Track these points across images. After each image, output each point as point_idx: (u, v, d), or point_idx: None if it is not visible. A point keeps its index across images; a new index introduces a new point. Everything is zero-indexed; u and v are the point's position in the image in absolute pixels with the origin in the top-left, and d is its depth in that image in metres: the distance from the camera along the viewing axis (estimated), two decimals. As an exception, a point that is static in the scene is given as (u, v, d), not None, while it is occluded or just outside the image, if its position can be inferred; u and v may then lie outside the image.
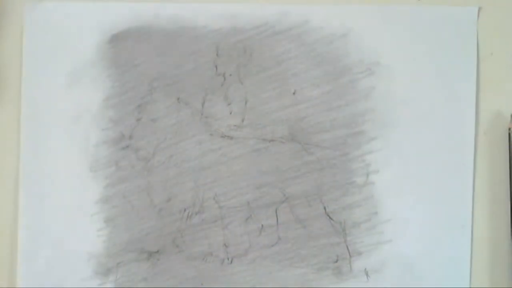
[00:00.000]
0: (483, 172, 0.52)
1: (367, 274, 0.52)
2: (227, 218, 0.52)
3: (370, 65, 0.52)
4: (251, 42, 0.53)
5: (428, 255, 0.52)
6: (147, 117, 0.53)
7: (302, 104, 0.52)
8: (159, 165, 0.53)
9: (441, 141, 0.52)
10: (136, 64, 0.53)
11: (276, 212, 0.52)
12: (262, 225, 0.52)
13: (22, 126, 0.53)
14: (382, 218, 0.52)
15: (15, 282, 0.53)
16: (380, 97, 0.52)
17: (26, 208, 0.53)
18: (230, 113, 0.52)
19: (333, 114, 0.52)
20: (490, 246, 0.52)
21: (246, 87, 0.52)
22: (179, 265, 0.52)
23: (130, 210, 0.53)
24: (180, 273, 0.52)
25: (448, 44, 0.52)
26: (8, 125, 0.53)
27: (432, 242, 0.52)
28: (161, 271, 0.53)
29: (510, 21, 0.53)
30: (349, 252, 0.52)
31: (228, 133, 0.52)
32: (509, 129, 0.51)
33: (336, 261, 0.52)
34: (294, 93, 0.53)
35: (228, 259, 0.52)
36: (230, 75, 0.53)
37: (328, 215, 0.52)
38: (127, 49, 0.53)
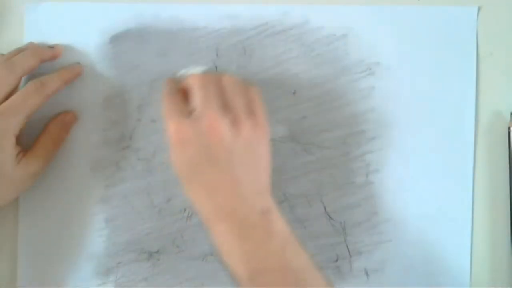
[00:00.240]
0: (483, 171, 0.52)
1: (367, 274, 0.52)
2: (227, 218, 0.52)
3: (370, 65, 0.53)
4: (251, 43, 0.53)
5: (428, 255, 0.52)
6: (147, 118, 0.53)
7: (302, 104, 0.52)
8: (160, 165, 0.53)
9: (441, 141, 0.52)
10: (136, 64, 0.53)
11: (276, 212, 0.52)
12: (262, 225, 0.52)
13: (22, 126, 0.53)
14: (382, 218, 0.52)
15: (15, 282, 0.53)
16: (380, 97, 0.52)
17: (26, 207, 0.53)
18: (230, 113, 0.52)
19: (333, 114, 0.52)
20: (490, 245, 0.52)
21: (246, 87, 0.53)
22: (180, 265, 0.52)
23: (130, 210, 0.53)
24: (181, 273, 0.52)
25: (448, 43, 0.52)
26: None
27: (432, 242, 0.52)
28: (162, 271, 0.53)
29: (510, 21, 0.53)
30: (349, 252, 0.52)
31: (228, 133, 0.52)
32: (509, 128, 0.51)
33: (336, 261, 0.52)
34: (294, 93, 0.53)
35: (228, 259, 0.52)
36: (230, 75, 0.53)
37: (328, 215, 0.52)
38: (127, 50, 0.53)
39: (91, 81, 0.53)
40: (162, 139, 0.52)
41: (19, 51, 0.50)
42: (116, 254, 0.53)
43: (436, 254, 0.52)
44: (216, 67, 0.53)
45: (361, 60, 0.53)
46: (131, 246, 0.53)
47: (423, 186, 0.52)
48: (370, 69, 0.52)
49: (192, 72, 0.47)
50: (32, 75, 0.50)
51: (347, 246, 0.52)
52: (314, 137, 0.52)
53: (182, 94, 0.46)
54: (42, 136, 0.50)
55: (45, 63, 0.51)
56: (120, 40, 0.53)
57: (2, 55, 0.50)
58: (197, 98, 0.44)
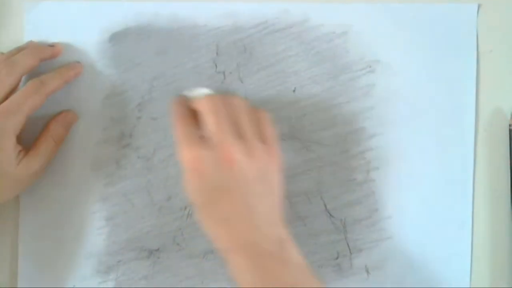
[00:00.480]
0: (483, 169, 0.52)
1: (367, 271, 0.52)
2: (227, 216, 0.52)
3: (370, 63, 0.52)
4: (251, 40, 0.53)
5: (428, 253, 0.52)
6: (147, 116, 0.53)
7: (302, 102, 0.52)
8: (160, 163, 0.53)
9: (441, 138, 0.52)
10: (136, 62, 0.53)
11: (276, 210, 0.52)
12: (263, 223, 0.52)
13: (22, 125, 0.53)
14: (383, 215, 0.52)
15: (15, 282, 0.53)
16: (380, 95, 0.52)
17: (26, 206, 0.53)
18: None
19: (333, 111, 0.52)
20: (490, 243, 0.52)
21: (246, 85, 0.53)
22: (180, 263, 0.52)
23: (130, 209, 0.53)
24: (181, 271, 0.52)
25: (448, 41, 0.52)
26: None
27: (432, 240, 0.52)
28: (162, 269, 0.52)
29: (510, 18, 0.53)
30: (349, 249, 0.52)
31: (228, 131, 0.52)
32: (510, 125, 0.51)
33: (337, 258, 0.52)
34: (294, 91, 0.53)
35: (228, 257, 0.52)
36: (230, 73, 0.53)
37: (328, 212, 0.52)
38: (127, 48, 0.53)
39: (91, 80, 0.53)
40: (162, 137, 0.52)
41: (19, 50, 0.50)
42: (116, 252, 0.53)
43: (437, 251, 0.52)
44: (216, 65, 0.53)
45: (361, 58, 0.53)
46: (131, 244, 0.53)
47: (423, 184, 0.52)
48: (370, 67, 0.52)
49: (199, 94, 0.47)
50: (32, 73, 0.50)
51: (347, 244, 0.52)
52: (314, 135, 0.52)
53: (193, 116, 0.45)
54: (43, 135, 0.50)
55: (45, 62, 0.51)
56: (120, 39, 0.53)
57: (2, 54, 0.50)
58: (209, 123, 0.44)
